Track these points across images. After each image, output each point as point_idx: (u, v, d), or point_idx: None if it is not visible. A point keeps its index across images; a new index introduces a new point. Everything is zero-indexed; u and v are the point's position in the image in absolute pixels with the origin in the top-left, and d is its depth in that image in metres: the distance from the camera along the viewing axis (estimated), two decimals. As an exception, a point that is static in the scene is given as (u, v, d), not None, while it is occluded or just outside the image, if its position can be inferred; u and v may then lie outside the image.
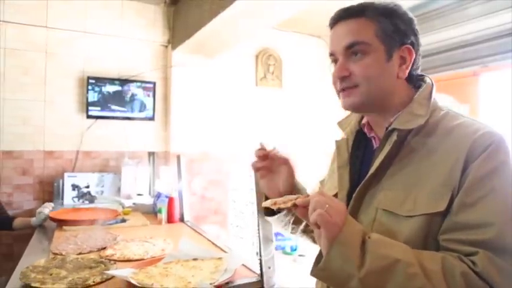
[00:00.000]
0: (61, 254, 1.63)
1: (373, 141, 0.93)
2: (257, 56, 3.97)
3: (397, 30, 0.84)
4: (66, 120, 3.19)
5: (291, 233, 1.05)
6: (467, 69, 3.14)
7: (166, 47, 3.59)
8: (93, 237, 1.89)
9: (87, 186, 3.11)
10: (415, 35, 0.87)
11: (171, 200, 2.41)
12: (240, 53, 3.81)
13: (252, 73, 3.96)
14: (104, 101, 3.27)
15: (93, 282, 1.29)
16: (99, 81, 3.25)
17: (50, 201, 2.97)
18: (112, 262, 1.52)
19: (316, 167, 3.74)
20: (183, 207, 2.44)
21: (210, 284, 1.22)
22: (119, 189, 3.14)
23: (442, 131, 0.80)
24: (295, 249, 3.43)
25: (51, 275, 1.36)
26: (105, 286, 1.29)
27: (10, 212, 2.62)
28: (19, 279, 1.32)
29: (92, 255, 1.62)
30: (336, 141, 1.00)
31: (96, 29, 3.28)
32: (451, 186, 0.73)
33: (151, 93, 3.45)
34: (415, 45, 0.87)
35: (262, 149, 0.99)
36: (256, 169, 1.01)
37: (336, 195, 0.92)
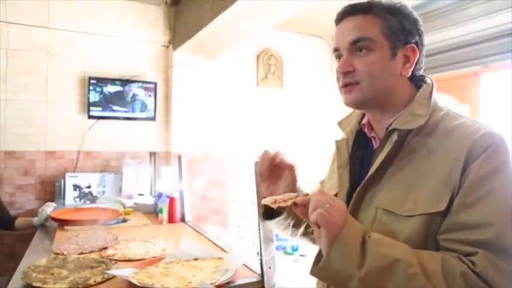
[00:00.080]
0: (62, 254, 1.63)
1: (373, 141, 0.93)
2: (258, 56, 3.98)
3: (403, 29, 0.85)
4: (68, 121, 3.20)
5: (291, 236, 1.06)
6: (467, 69, 3.14)
7: (168, 47, 3.60)
8: (94, 237, 1.89)
9: (89, 186, 3.12)
10: (420, 35, 0.88)
11: (172, 200, 2.41)
12: (241, 53, 3.82)
13: (253, 73, 3.97)
14: (105, 101, 3.27)
15: (94, 282, 1.30)
16: (101, 81, 3.25)
17: (52, 201, 2.98)
18: (113, 262, 1.52)
19: (317, 167, 3.75)
20: (184, 207, 2.45)
21: (211, 283, 1.23)
22: (120, 189, 3.15)
23: (442, 131, 0.80)
24: (296, 249, 3.43)
25: (52, 274, 1.37)
26: (106, 286, 1.30)
27: (12, 212, 2.63)
28: (21, 278, 1.32)
29: (93, 255, 1.63)
30: (336, 141, 1.00)
31: (98, 30, 3.29)
32: (451, 186, 0.73)
33: (152, 94, 3.45)
34: (420, 45, 0.87)
35: (267, 155, 0.99)
36: (260, 173, 1.00)
37: (336, 195, 0.92)
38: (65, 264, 1.47)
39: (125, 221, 2.35)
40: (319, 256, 0.76)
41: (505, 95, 2.87)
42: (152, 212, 2.63)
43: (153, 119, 3.48)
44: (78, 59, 3.24)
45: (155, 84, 3.47)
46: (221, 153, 3.70)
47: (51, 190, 3.10)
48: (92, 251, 1.70)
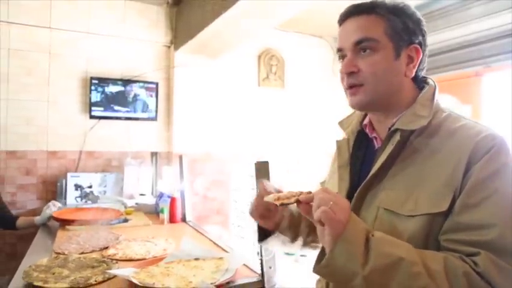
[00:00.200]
0: (63, 254, 1.64)
1: (375, 141, 0.93)
2: (259, 57, 3.97)
3: (406, 29, 0.85)
4: (69, 121, 3.21)
5: (292, 248, 1.06)
6: (470, 69, 3.14)
7: (169, 47, 3.60)
8: (95, 237, 1.90)
9: (90, 186, 3.12)
10: (423, 35, 0.88)
11: (173, 200, 2.42)
12: (243, 53, 3.82)
13: (255, 73, 3.96)
14: (107, 101, 3.28)
15: (95, 281, 1.30)
16: (102, 81, 3.26)
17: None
18: (114, 261, 1.53)
19: (318, 168, 3.75)
20: (185, 207, 2.45)
21: (211, 283, 1.23)
22: (121, 189, 3.15)
23: (444, 132, 0.80)
24: (297, 250, 3.42)
25: (53, 274, 1.37)
26: (107, 285, 1.30)
27: (14, 212, 2.63)
28: (22, 278, 1.33)
29: (94, 255, 1.63)
30: (337, 141, 1.00)
31: (99, 30, 3.29)
32: (453, 187, 0.73)
33: (153, 94, 3.46)
34: (423, 45, 0.88)
35: (260, 200, 0.95)
36: (254, 214, 0.99)
37: None
38: (66, 264, 1.48)
39: (126, 220, 2.36)
40: (321, 254, 0.76)
41: (506, 95, 2.86)
42: (153, 212, 2.63)
43: (154, 119, 3.48)
44: (80, 59, 3.25)
45: (157, 84, 3.48)
46: (222, 153, 3.70)
47: (53, 190, 3.11)
48: (93, 251, 1.71)
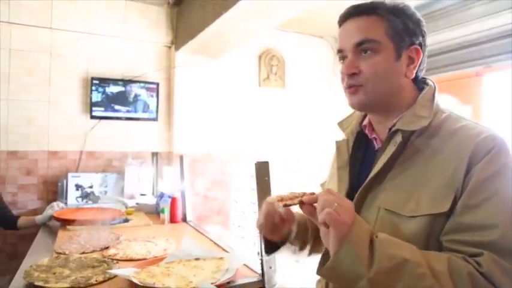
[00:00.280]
0: (64, 254, 1.64)
1: (374, 142, 0.93)
2: (260, 57, 3.98)
3: (407, 30, 0.85)
4: (70, 121, 3.21)
5: (300, 257, 1.06)
6: (470, 69, 3.13)
7: (170, 47, 3.60)
8: (96, 237, 1.90)
9: (91, 186, 3.13)
10: (423, 35, 0.88)
11: (173, 200, 2.42)
12: (243, 53, 3.82)
13: (255, 74, 3.96)
14: (108, 102, 3.28)
15: (96, 281, 1.31)
16: (103, 81, 3.26)
17: (54, 201, 2.98)
18: (114, 261, 1.53)
19: (318, 168, 3.75)
20: (185, 208, 2.45)
21: (212, 283, 1.23)
22: (122, 189, 3.16)
23: (445, 133, 0.81)
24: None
25: (54, 274, 1.38)
26: (108, 285, 1.31)
27: (14, 212, 2.64)
28: (23, 278, 1.33)
29: (95, 255, 1.64)
30: (336, 142, 1.00)
31: (100, 30, 3.30)
32: (453, 188, 0.74)
33: (154, 94, 3.46)
34: (423, 45, 0.88)
35: (268, 216, 0.96)
36: (262, 227, 0.99)
37: None
38: (66, 264, 1.48)
39: (126, 221, 2.36)
40: (325, 256, 0.76)
41: (507, 95, 2.86)
42: (154, 212, 2.64)
43: (155, 119, 3.49)
44: (81, 59, 3.25)
45: (157, 84, 3.48)
46: (223, 154, 3.70)
47: (54, 190, 3.11)
48: (93, 251, 1.71)
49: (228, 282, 1.29)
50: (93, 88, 3.22)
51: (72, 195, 3.06)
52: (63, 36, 3.17)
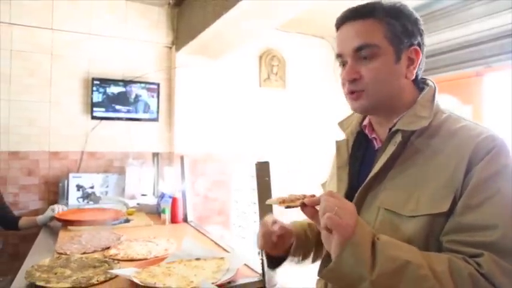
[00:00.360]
0: (66, 254, 1.65)
1: (374, 142, 0.93)
2: (261, 57, 3.98)
3: (405, 31, 0.84)
4: (71, 121, 3.22)
5: (302, 265, 1.07)
6: (470, 69, 3.13)
7: (170, 48, 3.61)
8: (97, 237, 1.91)
9: (92, 187, 3.13)
10: (421, 34, 0.88)
11: (174, 201, 2.42)
12: (244, 54, 3.82)
13: (256, 74, 3.97)
14: (109, 102, 3.29)
15: (97, 281, 1.31)
16: (104, 82, 3.27)
17: (55, 201, 3.01)
18: (116, 261, 1.54)
19: (319, 168, 3.75)
20: (186, 208, 2.45)
21: (212, 283, 1.23)
22: (123, 190, 3.16)
23: (445, 133, 0.81)
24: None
25: (55, 274, 1.38)
26: (109, 285, 1.31)
27: (16, 212, 2.64)
28: (24, 278, 1.34)
29: (96, 255, 1.64)
30: (336, 142, 1.00)
31: (101, 31, 3.31)
32: (453, 188, 0.74)
33: (155, 94, 3.47)
34: (421, 45, 0.87)
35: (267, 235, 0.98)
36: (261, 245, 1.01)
37: None
38: (68, 264, 1.48)
39: (127, 221, 2.36)
40: (326, 259, 0.76)
41: (507, 95, 2.86)
42: (155, 213, 2.64)
43: (156, 119, 3.49)
44: (82, 60, 3.26)
45: (158, 85, 3.49)
46: (224, 154, 3.71)
47: (55, 190, 3.12)
48: (94, 251, 1.71)
49: (229, 282, 1.30)
50: (94, 89, 3.23)
51: (73, 196, 3.06)
52: (64, 37, 3.18)
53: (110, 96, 3.29)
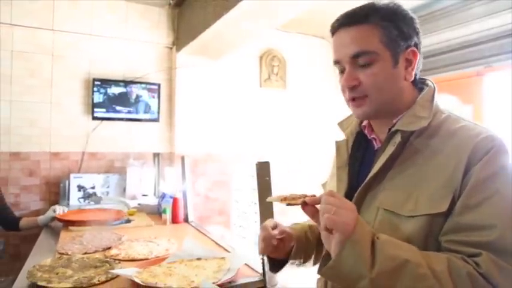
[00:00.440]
0: (67, 254, 1.65)
1: (374, 142, 0.93)
2: (261, 57, 3.98)
3: (401, 34, 0.83)
4: (72, 122, 3.23)
5: (304, 267, 1.08)
6: (471, 69, 3.13)
7: (171, 48, 3.62)
8: (98, 237, 1.91)
9: (93, 187, 3.14)
10: (417, 34, 0.87)
11: (175, 201, 2.43)
12: (244, 54, 3.83)
13: (256, 74, 3.97)
14: (109, 103, 3.30)
15: (98, 281, 1.31)
16: (105, 83, 3.28)
17: (56, 202, 3.02)
18: (117, 261, 1.54)
19: (319, 168, 3.75)
20: (187, 208, 2.46)
21: (213, 283, 1.23)
22: (124, 190, 3.17)
23: (444, 133, 0.81)
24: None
25: (57, 274, 1.38)
26: (110, 285, 1.31)
27: (17, 213, 2.64)
28: (26, 278, 1.34)
29: (97, 255, 1.64)
30: (336, 142, 1.01)
31: (102, 32, 3.31)
32: (452, 188, 0.74)
33: (156, 95, 3.47)
34: (418, 44, 0.87)
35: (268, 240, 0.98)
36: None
37: None
38: (69, 264, 1.49)
39: (128, 221, 2.37)
40: (326, 258, 0.77)
41: (508, 95, 2.86)
42: (156, 213, 2.64)
43: (156, 120, 3.50)
44: (83, 60, 3.27)
45: (159, 85, 3.49)
46: (224, 154, 3.71)
47: (56, 191, 3.13)
48: (96, 251, 1.72)
49: (230, 282, 1.30)
50: (95, 89, 3.24)
51: (74, 196, 3.07)
52: (64, 37, 3.19)
53: (110, 97, 3.29)
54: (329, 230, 0.73)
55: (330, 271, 0.73)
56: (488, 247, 0.68)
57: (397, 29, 0.83)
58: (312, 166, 4.03)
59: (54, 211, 2.32)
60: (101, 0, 3.31)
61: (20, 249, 2.91)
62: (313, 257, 1.06)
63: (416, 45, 0.86)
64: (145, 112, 3.44)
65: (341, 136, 1.03)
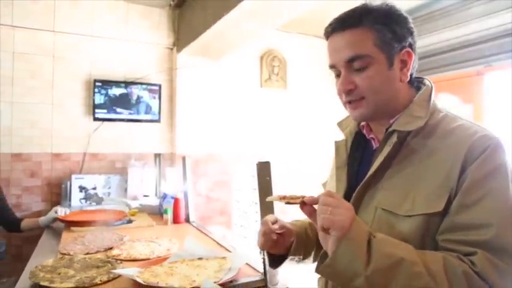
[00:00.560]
0: (69, 254, 1.66)
1: (373, 142, 0.94)
2: (262, 58, 3.99)
3: (395, 36, 0.83)
4: (73, 123, 3.24)
5: (304, 264, 1.08)
6: (471, 68, 3.14)
7: (172, 49, 3.62)
8: (100, 238, 1.92)
9: (94, 188, 3.15)
10: (412, 34, 0.87)
11: (176, 201, 2.43)
12: (245, 54, 3.83)
13: (257, 74, 3.98)
14: (110, 104, 3.31)
15: (100, 281, 1.32)
16: (106, 84, 3.29)
17: (58, 202, 3.02)
18: (118, 262, 1.55)
19: (319, 168, 3.75)
20: (188, 208, 2.46)
21: (214, 282, 1.24)
22: (125, 191, 3.18)
23: (441, 132, 0.81)
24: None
25: (59, 274, 1.39)
26: (112, 285, 1.32)
27: (18, 214, 2.65)
28: (28, 278, 1.35)
29: (99, 255, 1.65)
30: (335, 142, 1.01)
31: (102, 33, 3.32)
32: (448, 188, 0.74)
33: (156, 96, 3.48)
34: (413, 44, 0.87)
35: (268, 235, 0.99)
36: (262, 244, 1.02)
37: None
38: (71, 264, 1.50)
39: (130, 222, 2.37)
40: (324, 256, 0.77)
41: (508, 94, 2.86)
42: (157, 213, 2.65)
43: (157, 120, 3.51)
44: (84, 61, 3.28)
45: (159, 86, 3.50)
46: (225, 154, 3.72)
47: (58, 192, 3.13)
48: (97, 251, 1.72)
49: (231, 281, 1.31)
50: (96, 90, 3.25)
51: (76, 197, 3.07)
52: (65, 39, 3.20)
53: (111, 98, 3.30)
54: (326, 230, 0.74)
55: (326, 269, 0.74)
56: (484, 246, 0.69)
57: (391, 32, 0.83)
58: (312, 166, 4.04)
59: (56, 212, 2.32)
60: (101, 2, 3.32)
61: (22, 250, 2.92)
62: (313, 253, 1.06)
63: (411, 45, 0.86)
64: (146, 113, 3.45)
65: (340, 136, 1.03)
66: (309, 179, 3.84)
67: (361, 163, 0.94)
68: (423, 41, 3.21)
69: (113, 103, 3.31)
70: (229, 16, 2.52)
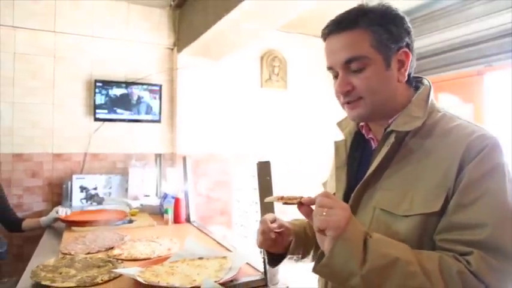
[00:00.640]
0: (70, 254, 1.66)
1: (372, 142, 0.94)
2: (262, 58, 4.00)
3: (392, 36, 0.83)
4: (74, 123, 3.24)
5: (303, 262, 1.09)
6: (471, 68, 3.14)
7: (172, 49, 3.63)
8: (101, 238, 1.92)
9: (95, 188, 3.15)
10: (409, 33, 0.87)
11: (177, 201, 2.44)
12: (245, 54, 3.84)
13: (257, 75, 3.99)
14: (111, 104, 3.31)
15: (101, 280, 1.33)
16: (106, 84, 3.29)
17: (59, 203, 3.03)
18: (119, 261, 1.55)
19: (319, 168, 3.75)
20: (189, 208, 2.47)
21: (215, 281, 1.24)
22: (126, 191, 3.18)
23: (439, 132, 0.81)
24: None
25: (60, 273, 1.40)
26: (113, 284, 1.32)
27: (20, 214, 2.65)
28: (30, 277, 1.35)
29: (100, 255, 1.65)
30: (335, 142, 1.01)
31: (103, 33, 3.33)
32: (446, 187, 0.74)
33: (157, 96, 3.49)
34: (410, 44, 0.87)
35: (267, 233, 0.99)
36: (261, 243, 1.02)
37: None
38: (72, 264, 1.50)
39: (131, 221, 2.38)
40: (321, 255, 0.78)
41: (508, 94, 2.87)
42: (158, 213, 2.66)
43: (158, 121, 3.51)
44: (84, 62, 3.29)
45: (160, 86, 3.51)
46: (226, 154, 3.72)
47: (59, 192, 3.14)
48: (98, 251, 1.73)
49: (231, 281, 1.31)
50: (97, 91, 3.25)
51: (77, 197, 3.08)
52: (66, 39, 3.21)
53: (112, 98, 3.31)
54: (322, 231, 0.74)
55: (322, 269, 0.75)
56: (480, 245, 0.69)
57: (387, 32, 0.83)
58: (312, 166, 4.04)
59: (57, 212, 2.33)
60: (102, 2, 3.32)
61: (23, 250, 2.93)
62: (311, 252, 1.06)
63: (408, 45, 0.86)
64: (146, 113, 3.46)
65: (340, 136, 1.03)
66: (309, 179, 3.84)
67: (360, 163, 0.94)
68: (423, 41, 3.22)
69: (114, 103, 3.32)
70: (230, 16, 2.53)
